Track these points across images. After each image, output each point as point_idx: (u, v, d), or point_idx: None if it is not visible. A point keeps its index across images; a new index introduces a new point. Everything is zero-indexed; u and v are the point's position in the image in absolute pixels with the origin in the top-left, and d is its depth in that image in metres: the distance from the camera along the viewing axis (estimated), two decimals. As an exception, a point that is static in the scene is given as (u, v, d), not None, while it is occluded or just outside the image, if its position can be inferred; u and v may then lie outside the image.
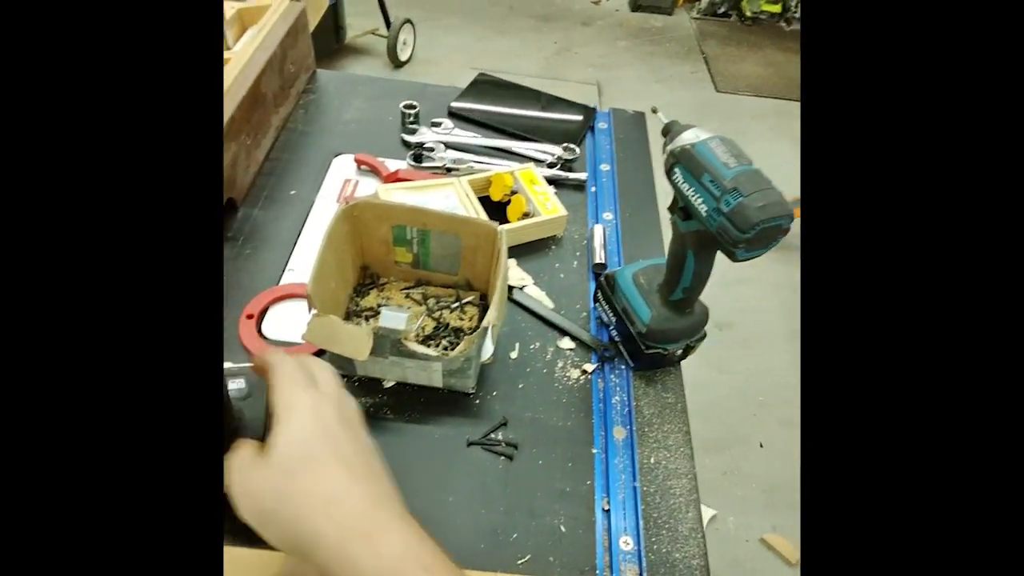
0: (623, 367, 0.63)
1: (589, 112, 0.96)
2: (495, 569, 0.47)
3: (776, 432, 1.64)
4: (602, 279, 0.65)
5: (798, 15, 3.40)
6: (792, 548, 1.40)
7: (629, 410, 0.60)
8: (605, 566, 0.50)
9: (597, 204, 0.81)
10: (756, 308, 1.94)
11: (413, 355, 0.53)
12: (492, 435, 0.56)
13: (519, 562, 0.49)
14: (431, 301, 0.64)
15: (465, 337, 0.61)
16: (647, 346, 0.59)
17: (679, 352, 0.61)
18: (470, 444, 0.55)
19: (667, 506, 0.54)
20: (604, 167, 0.87)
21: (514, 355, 0.63)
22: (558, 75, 2.89)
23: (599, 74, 2.93)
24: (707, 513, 1.43)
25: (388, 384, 0.58)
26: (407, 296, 0.65)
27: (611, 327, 0.64)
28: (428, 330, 0.61)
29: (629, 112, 0.97)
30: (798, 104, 2.87)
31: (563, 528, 0.52)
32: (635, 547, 0.51)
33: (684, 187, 0.49)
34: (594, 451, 0.57)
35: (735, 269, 2.00)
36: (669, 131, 0.51)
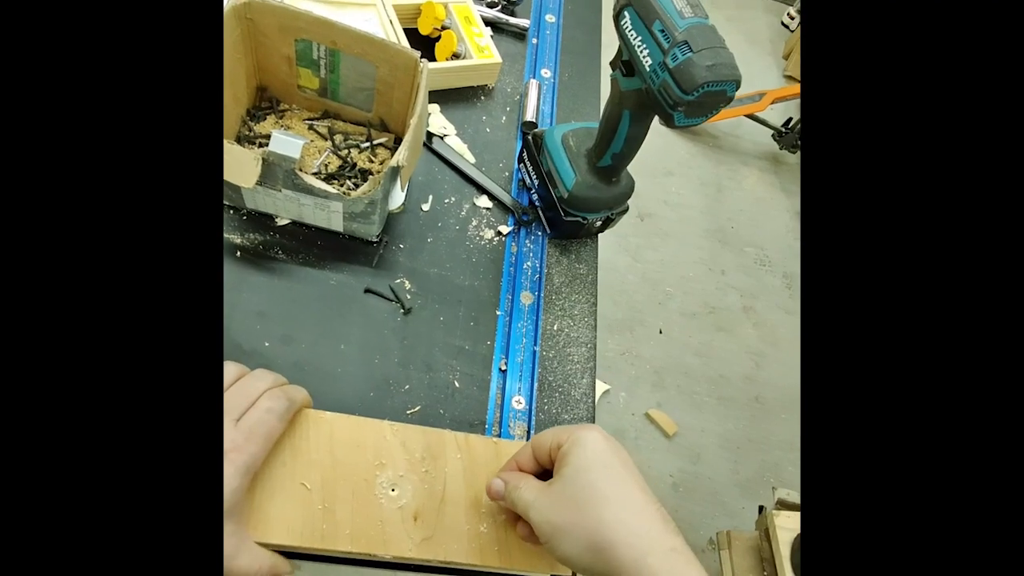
0: (540, 233, 0.61)
1: (541, -49, 0.85)
2: (383, 417, 0.46)
3: (676, 321, 1.73)
4: (529, 137, 0.60)
5: None
6: (671, 422, 1.53)
7: (540, 276, 0.58)
8: (495, 421, 0.51)
9: (536, 58, 0.74)
10: (679, 203, 1.96)
11: (310, 191, 0.47)
12: (393, 286, 0.53)
13: (408, 412, 0.48)
14: (338, 137, 0.57)
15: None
16: (567, 212, 0.56)
17: (599, 223, 0.59)
18: (367, 292, 0.52)
19: (563, 371, 0.55)
20: (549, 18, 0.79)
21: (426, 207, 0.59)
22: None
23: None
24: (601, 387, 1.53)
25: (282, 222, 0.53)
26: (311, 128, 0.57)
27: (533, 190, 0.61)
28: (332, 168, 0.55)
29: (585, -40, 0.87)
30: (758, -3, 2.76)
31: (457, 384, 0.51)
32: (527, 406, 0.52)
33: (631, 35, 0.44)
34: (498, 313, 0.55)
35: (665, 160, 1.98)
36: None
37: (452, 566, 0.42)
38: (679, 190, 1.99)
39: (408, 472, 0.44)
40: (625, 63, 0.46)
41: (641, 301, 1.75)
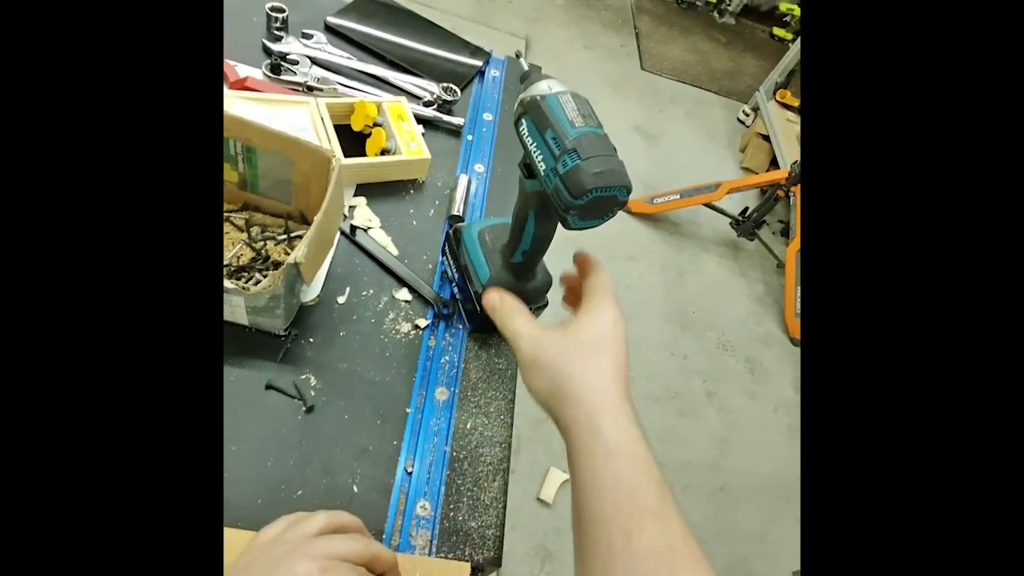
0: (460, 327, 0.60)
1: (483, 55, 0.89)
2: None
3: (639, 405, 1.70)
4: (450, 232, 0.60)
5: (731, 8, 3.46)
6: (634, 515, 1.48)
7: (456, 371, 0.57)
8: (395, 529, 0.47)
9: (471, 154, 0.77)
10: (641, 287, 1.99)
11: (208, 285, 0.46)
12: (296, 383, 0.51)
13: (297, 521, 0.45)
14: (255, 229, 0.57)
15: (285, 274, 0.55)
16: (482, 307, 0.56)
17: None
18: (268, 388, 0.50)
19: (474, 473, 0.52)
20: (487, 116, 0.82)
21: (342, 300, 0.58)
22: (487, 21, 2.76)
23: (529, 28, 2.84)
24: (560, 477, 1.47)
25: (185, 315, 0.52)
26: (227, 220, 0.57)
27: (454, 283, 0.60)
28: (244, 260, 0.55)
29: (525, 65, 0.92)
30: (715, 96, 2.94)
31: (356, 488, 0.48)
32: (432, 513, 0.49)
33: (528, 140, 0.45)
34: (408, 410, 0.53)
35: (627, 246, 2.01)
36: (526, 78, 0.47)
37: None
38: (641, 274, 2.02)
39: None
40: (527, 166, 0.47)
41: (602, 386, 1.73)
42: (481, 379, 0.58)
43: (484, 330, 0.60)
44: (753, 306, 2.08)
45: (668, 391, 1.78)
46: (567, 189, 0.41)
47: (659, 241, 2.14)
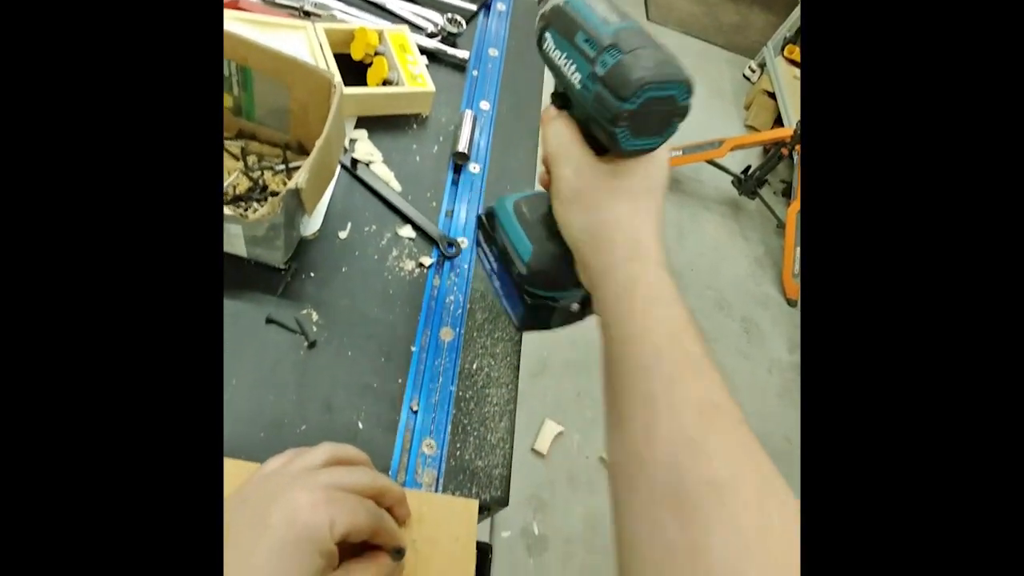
0: (464, 266, 0.58)
1: (489, -13, 0.85)
2: (271, 461, 0.42)
3: (635, 363, 1.71)
4: (482, 216, 0.48)
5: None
6: (627, 468, 1.49)
7: (462, 312, 0.55)
8: (401, 467, 0.46)
9: (475, 91, 0.73)
10: (640, 244, 1.97)
11: (204, 212, 0.44)
12: (297, 318, 0.49)
13: (300, 456, 0.44)
14: (252, 158, 0.54)
15: (284, 205, 0.52)
16: (529, 293, 0.44)
17: (575, 305, 0.45)
18: (269, 322, 0.48)
19: (480, 414, 0.51)
20: (492, 52, 0.78)
21: (343, 235, 0.55)
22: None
23: (532, -25, 2.73)
24: (555, 429, 1.48)
25: (179, 245, 0.49)
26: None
27: (493, 275, 0.48)
28: (240, 190, 0.52)
29: (534, -2, 0.88)
30: (721, 51, 2.86)
31: (361, 425, 0.47)
32: (438, 451, 0.48)
33: (556, 55, 0.38)
34: (413, 349, 0.52)
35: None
36: None
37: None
38: (640, 232, 1.99)
39: (288, 525, 0.39)
40: (561, 95, 0.40)
41: (599, 341, 1.73)
42: (487, 320, 0.56)
43: (535, 324, 0.47)
44: (752, 267, 2.07)
45: (664, 348, 1.78)
46: (612, 91, 0.33)
47: (671, 202, 2.11)
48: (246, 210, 0.51)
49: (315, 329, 0.50)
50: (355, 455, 0.39)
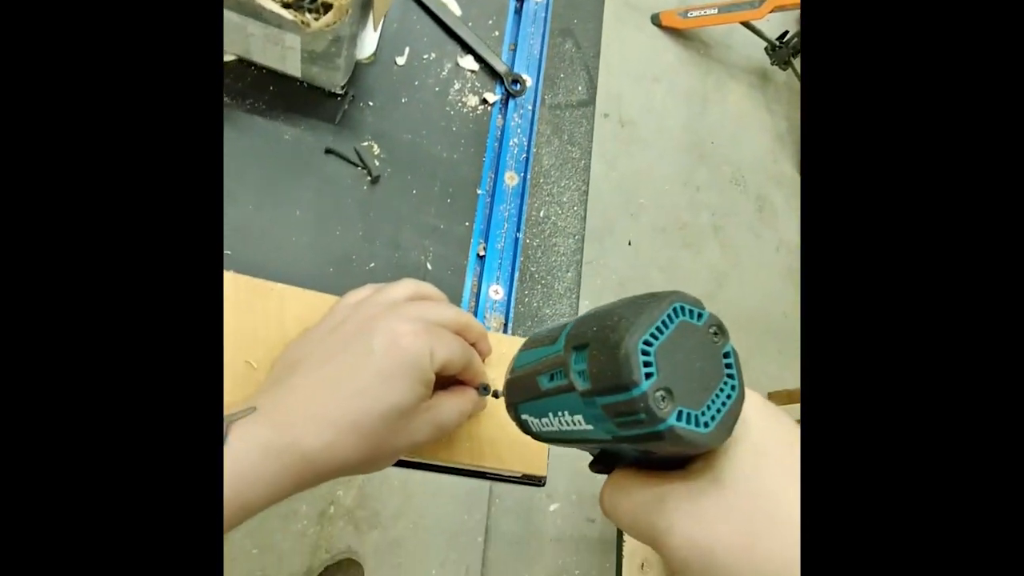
0: (528, 106, 0.53)
1: None
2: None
3: (645, 234, 1.70)
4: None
5: None
6: (631, 335, 1.54)
7: (527, 157, 0.52)
8: (470, 310, 0.45)
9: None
10: (663, 112, 1.87)
11: (259, 15, 0.38)
12: (358, 149, 0.45)
13: (372, 293, 0.43)
14: (298, -40, 0.47)
15: (339, 19, 0.46)
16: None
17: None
18: (328, 152, 0.45)
19: (547, 262, 0.49)
20: None
21: (401, 61, 0.50)
22: None
23: None
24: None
25: (226, 57, 0.44)
26: (263, -56, 0.46)
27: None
28: (289, -3, 0.45)
29: None
30: None
31: (430, 266, 0.45)
32: (505, 297, 0.47)
33: (548, 425, 0.26)
34: (479, 192, 0.49)
35: (652, 65, 1.86)
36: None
37: (420, 461, 0.39)
38: (664, 99, 1.89)
39: (369, 357, 0.39)
40: (596, 459, 0.29)
41: (613, 211, 1.70)
42: (553, 167, 0.53)
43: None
44: (772, 143, 2.00)
45: (676, 222, 1.76)
46: (613, 387, 0.21)
47: (686, 62, 1.97)
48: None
49: (377, 163, 0.46)
50: (435, 292, 0.38)
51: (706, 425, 0.21)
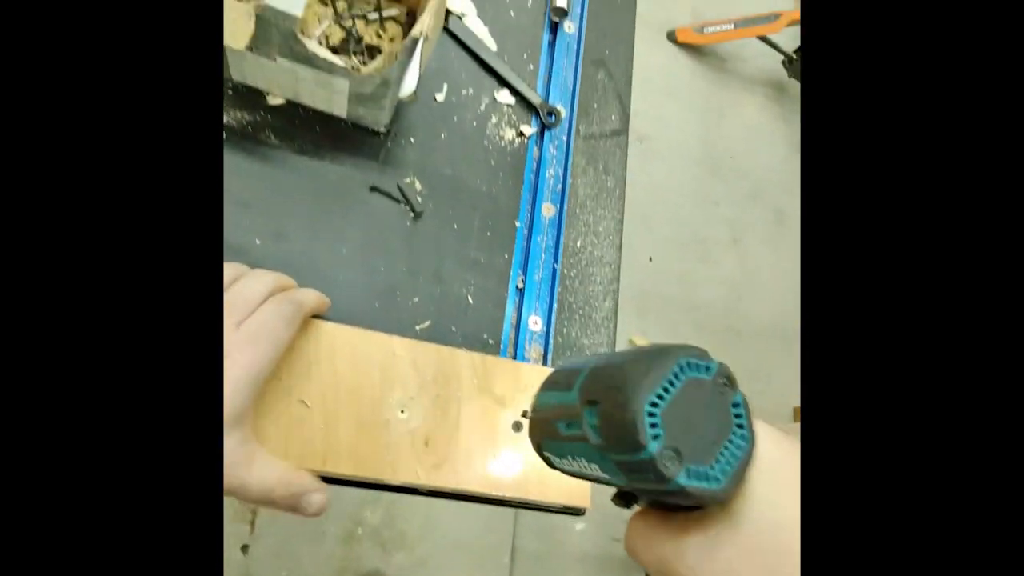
0: (564, 137, 0.54)
1: None
2: (388, 331, 0.41)
3: (663, 248, 1.70)
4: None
5: None
6: (652, 350, 1.54)
7: (563, 187, 0.52)
8: (510, 342, 0.46)
9: (566, -66, 0.64)
10: (677, 125, 1.88)
11: (311, 61, 0.40)
12: (401, 186, 0.47)
13: (418, 327, 0.43)
14: (341, 4, 0.48)
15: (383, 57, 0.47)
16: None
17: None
18: (373, 190, 0.46)
19: (584, 292, 0.50)
20: None
21: (440, 97, 0.51)
22: None
23: None
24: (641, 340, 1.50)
25: (275, 100, 0.45)
26: (308, -11, 0.48)
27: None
28: (334, 40, 0.47)
29: None
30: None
31: (471, 299, 0.46)
32: (544, 328, 0.47)
33: (569, 464, 0.27)
34: (517, 224, 0.50)
35: (667, 79, 1.86)
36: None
37: (465, 493, 0.39)
38: (680, 113, 1.90)
39: (419, 394, 0.39)
40: (618, 495, 0.28)
41: (631, 226, 1.71)
42: (589, 197, 0.54)
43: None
44: (790, 154, 1.99)
45: (694, 236, 1.76)
46: (622, 445, 0.22)
47: (701, 77, 1.98)
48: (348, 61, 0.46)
49: (420, 199, 0.47)
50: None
51: (716, 480, 0.21)
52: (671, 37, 1.92)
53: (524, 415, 0.38)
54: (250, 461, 0.32)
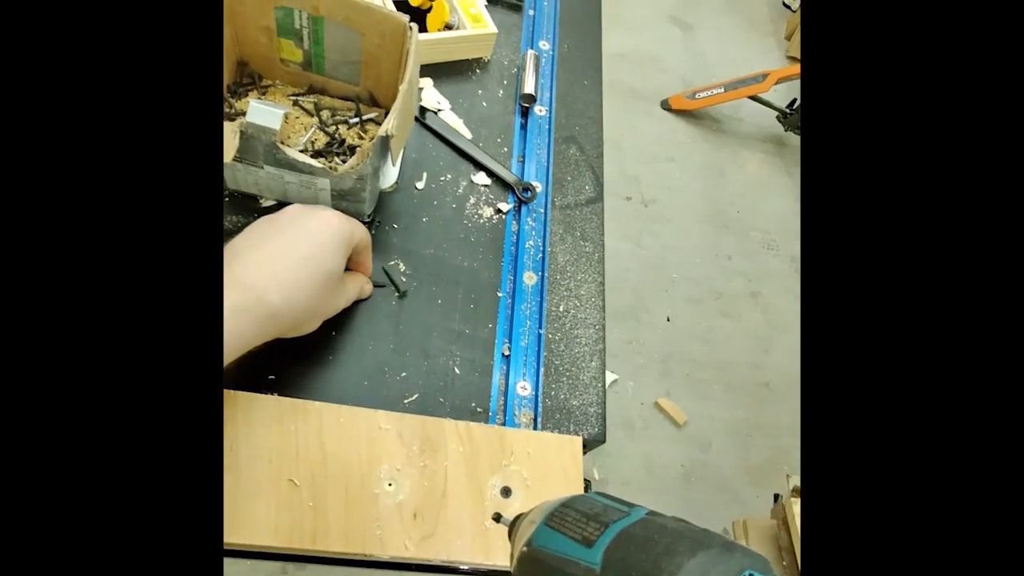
0: (540, 210, 0.57)
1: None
2: (378, 407, 0.43)
3: (681, 308, 1.70)
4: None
5: None
6: (680, 411, 1.50)
7: (543, 256, 0.55)
8: (499, 409, 0.47)
9: (533, 30, 0.71)
10: (681, 188, 1.92)
11: (294, 166, 0.44)
12: (386, 269, 0.50)
13: (405, 401, 0.45)
14: (325, 113, 0.54)
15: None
16: None
17: None
18: (360, 276, 0.49)
19: (571, 354, 0.51)
20: (546, -12, 0.75)
21: (420, 185, 0.55)
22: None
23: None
24: (609, 377, 1.49)
25: (266, 203, 0.50)
26: (296, 104, 0.54)
27: None
28: (319, 145, 0.52)
29: None
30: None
31: (457, 370, 0.48)
32: (532, 392, 0.48)
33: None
34: (500, 295, 0.52)
35: (665, 146, 1.93)
36: (512, 528, 0.31)
37: (456, 565, 0.39)
38: (681, 175, 1.95)
39: (406, 465, 0.41)
40: None
41: (645, 288, 1.72)
42: (569, 263, 0.56)
43: None
44: (796, 204, 2.01)
45: (711, 292, 1.76)
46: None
47: (699, 139, 2.05)
48: (330, 163, 0.51)
49: (404, 279, 0.50)
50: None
51: None
52: (665, 106, 2.01)
53: (496, 518, 0.33)
54: (344, 294, 0.44)
